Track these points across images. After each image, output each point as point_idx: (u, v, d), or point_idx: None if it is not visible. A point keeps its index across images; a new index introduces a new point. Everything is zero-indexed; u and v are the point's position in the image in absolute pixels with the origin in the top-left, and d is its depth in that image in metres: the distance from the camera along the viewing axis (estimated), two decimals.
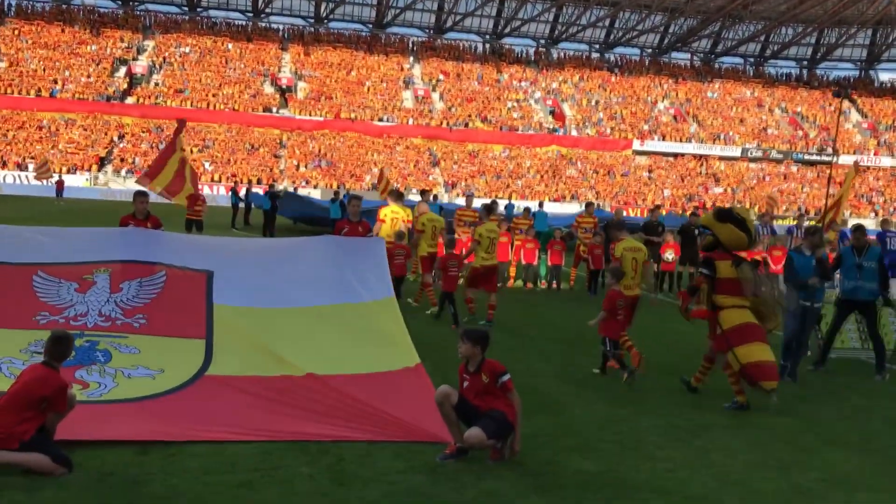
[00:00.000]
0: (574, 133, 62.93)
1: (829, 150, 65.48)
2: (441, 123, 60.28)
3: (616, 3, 67.56)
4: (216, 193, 45.04)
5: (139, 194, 9.70)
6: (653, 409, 7.40)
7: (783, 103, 70.90)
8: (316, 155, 55.09)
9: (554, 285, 16.43)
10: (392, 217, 12.78)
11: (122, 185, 46.44)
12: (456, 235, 16.09)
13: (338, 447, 5.79)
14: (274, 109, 58.37)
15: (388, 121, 59.30)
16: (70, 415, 5.38)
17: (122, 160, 50.89)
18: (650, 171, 60.79)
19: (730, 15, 69.50)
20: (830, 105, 71.57)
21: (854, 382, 8.97)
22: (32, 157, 49.23)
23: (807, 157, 64.86)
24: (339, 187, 42.51)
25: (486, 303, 11.48)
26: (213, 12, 68.16)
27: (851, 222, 26.68)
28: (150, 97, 56.47)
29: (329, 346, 7.28)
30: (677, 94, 69.43)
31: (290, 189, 37.61)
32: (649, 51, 75.28)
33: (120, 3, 66.26)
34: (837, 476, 5.83)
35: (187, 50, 62.14)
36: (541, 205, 25.47)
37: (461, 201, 30.94)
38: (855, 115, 70.81)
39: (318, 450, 5.73)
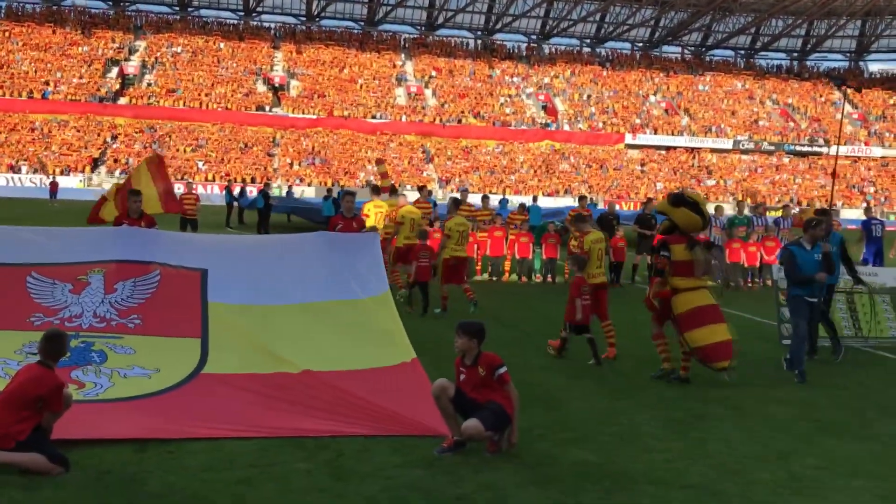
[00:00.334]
0: (566, 128, 62.98)
1: (820, 141, 65.70)
2: (434, 120, 60.25)
3: None
4: (210, 193, 44.94)
5: (133, 193, 9.63)
6: (650, 401, 7.42)
7: (774, 95, 71.08)
8: (309, 153, 55.02)
9: (549, 279, 16.48)
10: (376, 212, 12.84)
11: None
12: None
13: (335, 442, 5.79)
14: (267, 108, 58.27)
15: (381, 118, 59.25)
16: (66, 414, 5.35)
17: (115, 161, 50.74)
18: (643, 165, 60.88)
19: (720, 8, 69.61)
20: (821, 96, 71.83)
21: (848, 371, 8.99)
22: (25, 159, 49.09)
23: (798, 148, 65.03)
24: (333, 185, 42.48)
25: (460, 292, 11.86)
26: (204, 12, 68.03)
27: (844, 213, 26.78)
28: (142, 97, 56.31)
29: (325, 343, 7.26)
30: (668, 88, 69.51)
31: (284, 192, 37.52)
32: (640, 45, 75.37)
33: (111, 3, 66.01)
34: (835, 463, 5.85)
35: (179, 50, 61.96)
36: (535, 199, 25.51)
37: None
38: (846, 106, 70.96)
39: (315, 445, 5.73)
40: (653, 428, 6.55)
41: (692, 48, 76.66)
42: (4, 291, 7.24)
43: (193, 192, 22.36)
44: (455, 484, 5.14)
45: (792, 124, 67.83)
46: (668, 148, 63.19)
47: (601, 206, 35.34)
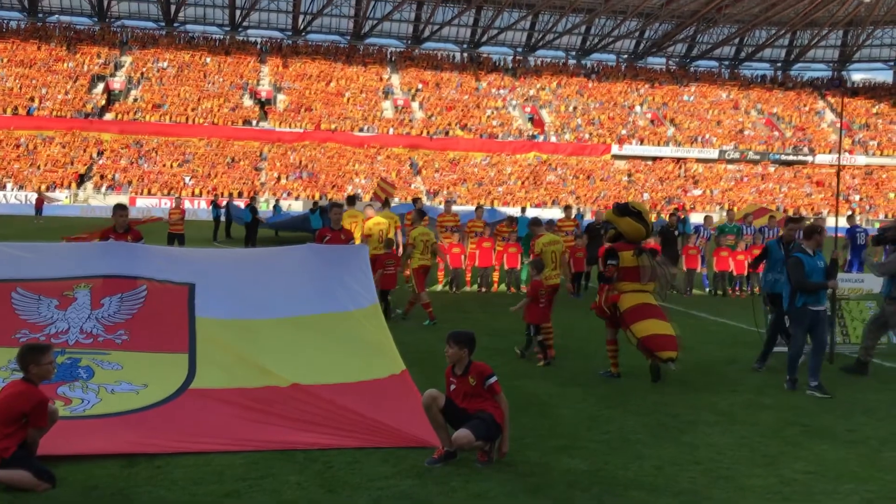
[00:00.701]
0: (553, 139, 63.23)
1: (805, 149, 66.24)
2: (421, 132, 60.37)
3: (591, 9, 68.08)
4: (196, 207, 44.80)
5: (119, 207, 9.57)
6: (639, 407, 7.43)
7: (759, 105, 71.65)
8: (297, 166, 54.97)
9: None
10: (350, 222, 13.12)
11: (102, 202, 46.07)
12: (439, 241, 16.38)
13: (325, 455, 5.76)
14: (254, 122, 58.22)
15: (368, 131, 59.32)
16: (53, 430, 5.31)
17: (101, 177, 50.54)
18: (629, 175, 61.16)
19: (704, 19, 70.21)
20: (805, 105, 72.48)
21: (835, 376, 9.03)
22: (10, 176, 48.79)
23: (784, 157, 65.53)
24: (320, 197, 42.41)
25: (452, 302, 12.70)
26: (190, 27, 68.01)
27: (830, 221, 27.02)
28: (128, 112, 56.16)
29: (314, 357, 7.23)
30: (654, 99, 69.96)
31: (272, 205, 37.37)
32: (625, 56, 75.87)
33: (96, 19, 65.89)
34: (824, 468, 5.88)
35: (165, 65, 61.88)
36: (523, 210, 25.57)
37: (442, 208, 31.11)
38: (829, 115, 71.69)
39: (305, 458, 5.70)
40: (642, 435, 6.56)
41: (677, 59, 77.25)
42: None
43: (181, 207, 22.30)
44: (446, 494, 5.13)
45: (777, 133, 68.37)
46: (654, 158, 63.52)
47: (589, 217, 35.43)
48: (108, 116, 55.83)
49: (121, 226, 9.27)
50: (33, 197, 42.40)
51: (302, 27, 69.20)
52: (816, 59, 78.79)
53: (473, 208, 19.64)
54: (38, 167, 50.43)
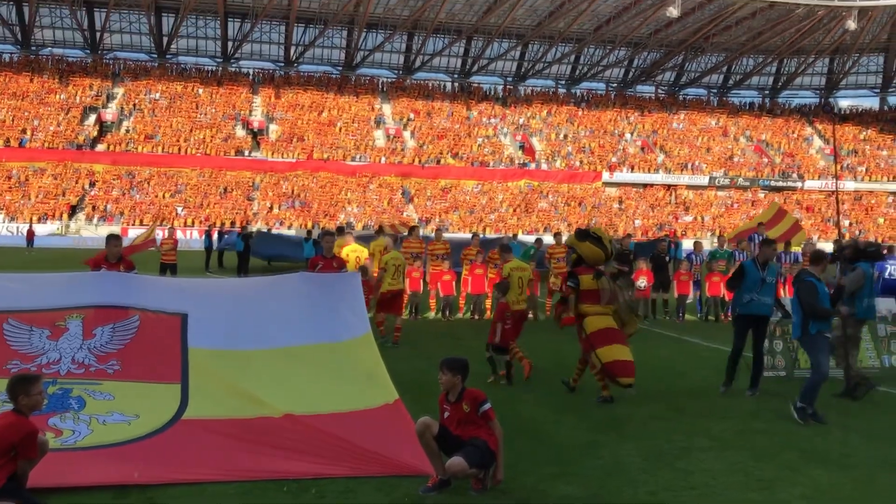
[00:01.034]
0: (544, 166, 63.58)
1: (794, 175, 66.74)
2: (413, 161, 60.63)
3: (580, 39, 68.87)
4: (189, 238, 44.72)
5: (112, 237, 9.57)
6: (634, 433, 7.41)
7: (748, 131, 72.31)
8: (289, 196, 55.04)
9: (531, 315, 16.49)
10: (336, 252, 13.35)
11: (94, 233, 45.96)
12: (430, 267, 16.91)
13: (318, 484, 5.73)
14: (246, 152, 58.37)
15: (360, 160, 59.54)
16: (44, 461, 5.25)
17: (93, 208, 50.45)
18: (620, 202, 61.46)
19: (692, 47, 71.09)
20: (793, 132, 73.19)
21: (829, 400, 9.04)
22: (2, 208, 48.67)
23: (773, 183, 66.03)
24: (313, 226, 42.46)
25: (393, 325, 12.65)
26: (182, 58, 68.33)
27: (819, 245, 27.25)
28: (120, 144, 56.23)
29: (307, 387, 7.20)
30: (644, 126, 70.54)
31: (264, 229, 37.42)
32: (614, 85, 76.62)
33: (88, 51, 66.25)
34: (820, 492, 5.87)
35: (157, 96, 62.12)
36: (514, 237, 25.66)
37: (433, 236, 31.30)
38: (817, 142, 72.40)
39: (298, 487, 5.66)
40: (637, 460, 6.54)
41: (666, 87, 78.03)
42: None
43: (173, 237, 22.27)
44: None
45: (766, 160, 68.95)
46: (645, 185, 63.90)
47: None
48: (101, 147, 55.87)
49: (113, 255, 9.25)
50: (24, 228, 42.28)
51: (294, 58, 69.70)
52: (804, 86, 79.73)
53: (469, 236, 19.76)
54: (30, 198, 50.39)
